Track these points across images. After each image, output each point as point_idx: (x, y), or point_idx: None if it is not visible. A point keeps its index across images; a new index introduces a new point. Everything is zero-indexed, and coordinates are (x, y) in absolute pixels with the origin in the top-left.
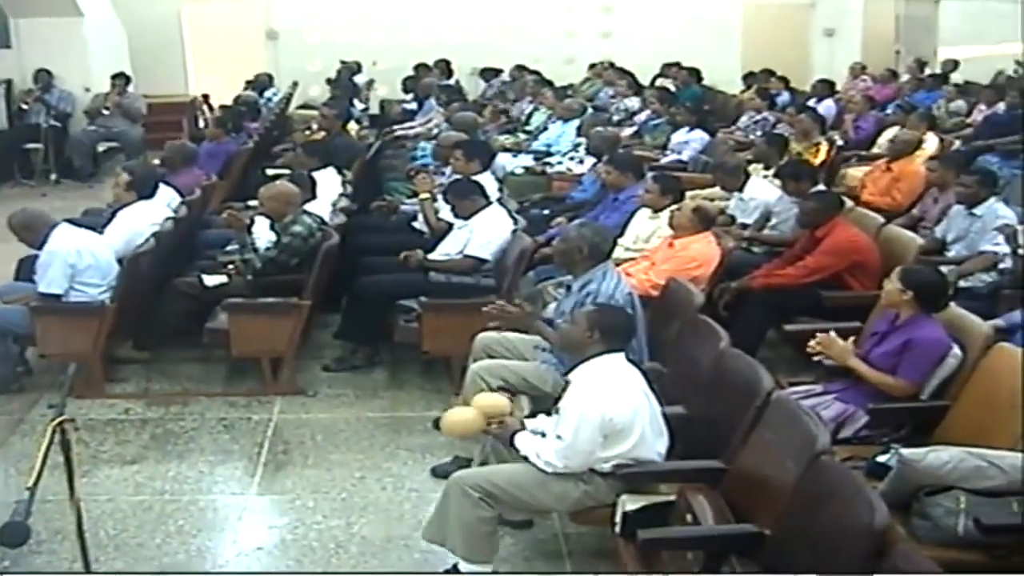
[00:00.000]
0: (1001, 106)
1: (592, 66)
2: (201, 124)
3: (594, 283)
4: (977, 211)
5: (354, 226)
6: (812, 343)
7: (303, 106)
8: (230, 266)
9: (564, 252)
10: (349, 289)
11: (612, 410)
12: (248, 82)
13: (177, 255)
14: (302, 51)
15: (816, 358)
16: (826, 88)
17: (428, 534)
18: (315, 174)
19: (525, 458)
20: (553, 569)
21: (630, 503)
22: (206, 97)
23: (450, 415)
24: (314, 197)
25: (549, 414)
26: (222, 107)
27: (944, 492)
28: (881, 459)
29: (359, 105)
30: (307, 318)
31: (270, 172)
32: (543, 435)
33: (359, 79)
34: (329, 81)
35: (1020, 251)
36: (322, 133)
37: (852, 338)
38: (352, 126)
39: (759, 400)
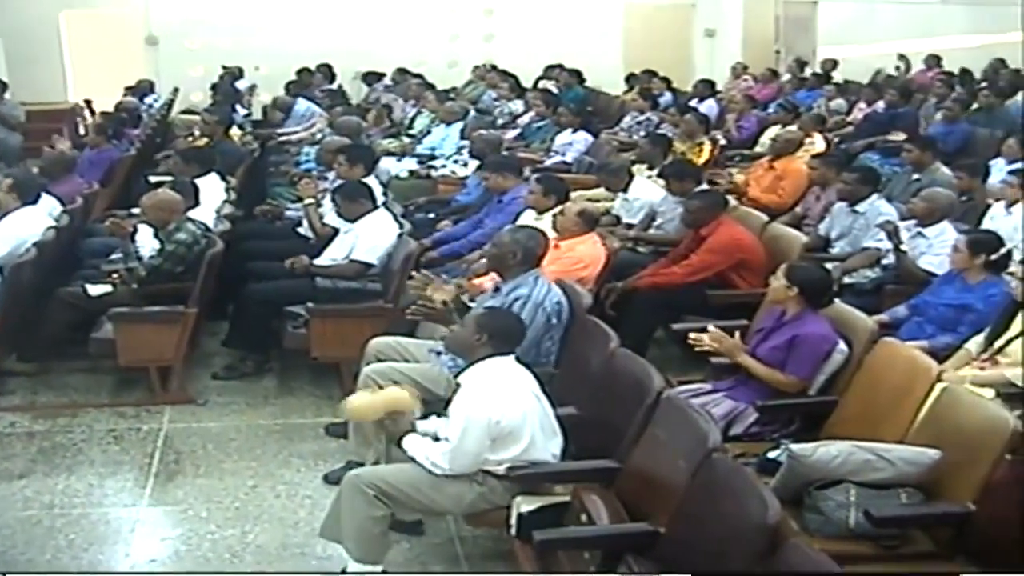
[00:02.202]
0: (880, 104)
1: (475, 69)
2: (82, 131)
3: (524, 288)
4: (859, 208)
5: (239, 232)
6: (699, 335)
7: (185, 112)
8: (114, 275)
9: (497, 256)
10: (236, 296)
11: (499, 413)
12: (128, 88)
13: (60, 265)
14: (183, 56)
15: (700, 350)
16: (708, 88)
17: (325, 532)
18: (198, 181)
19: (413, 459)
20: (449, 571)
21: (525, 504)
22: (88, 103)
23: (355, 398)
24: (197, 204)
25: (440, 416)
26: (103, 114)
27: (834, 486)
28: (772, 455)
29: (241, 110)
30: (194, 326)
31: (153, 179)
32: (435, 438)
33: (241, 84)
34: (212, 87)
35: (902, 247)
36: (204, 139)
37: (738, 332)
38: (235, 132)
39: (650, 399)
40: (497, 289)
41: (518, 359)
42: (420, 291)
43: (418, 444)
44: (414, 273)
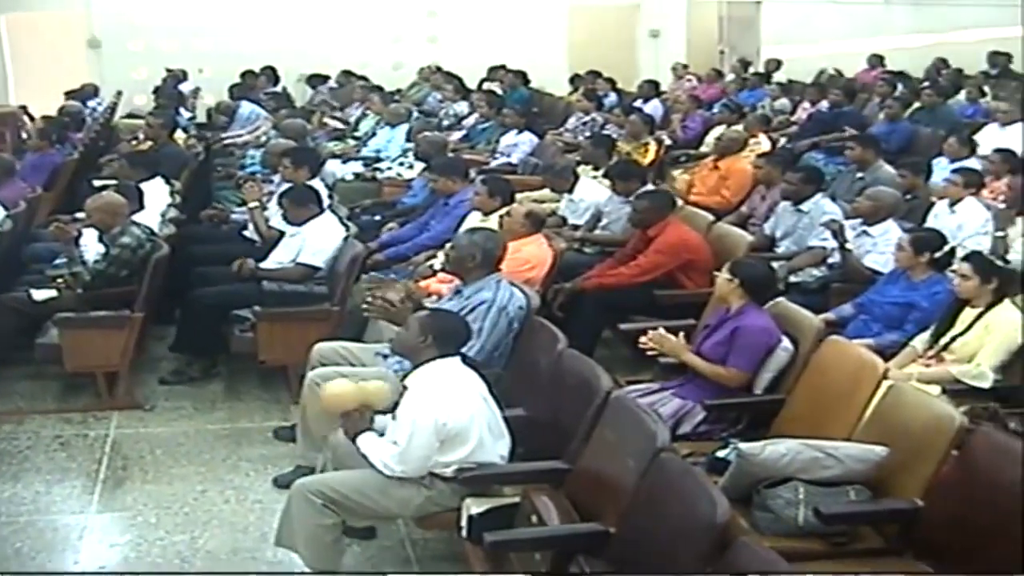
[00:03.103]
0: (824, 104)
1: (421, 70)
2: (24, 136)
3: (487, 292)
4: (804, 207)
5: (185, 236)
6: (643, 339)
7: (129, 115)
8: (59, 280)
9: (457, 259)
10: (182, 300)
11: (446, 415)
12: (70, 92)
13: (3, 270)
14: (126, 59)
15: (651, 354)
16: (652, 89)
17: (280, 540)
18: (142, 184)
19: (365, 457)
20: (401, 572)
21: (475, 506)
22: (24, 109)
23: (330, 385)
24: (142, 208)
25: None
26: (44, 118)
27: (783, 484)
28: (720, 454)
29: (186, 113)
30: (141, 331)
31: (97, 183)
32: (381, 434)
33: (185, 87)
34: (155, 90)
35: (847, 246)
36: (149, 143)
37: (682, 333)
38: (179, 135)
39: (598, 400)
40: (459, 292)
41: (465, 360)
42: (372, 293)
43: (373, 444)
44: (364, 276)
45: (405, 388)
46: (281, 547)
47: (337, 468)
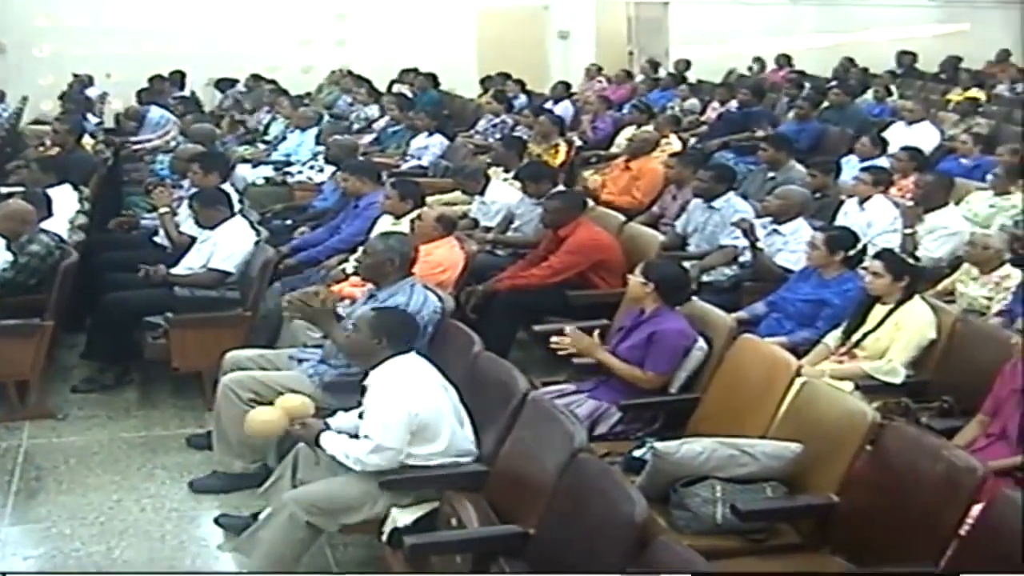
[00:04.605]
0: (733, 104)
1: (331, 74)
2: None
3: (402, 296)
4: (715, 204)
5: (95, 243)
6: (555, 339)
7: (35, 122)
8: None
9: (374, 265)
10: (93, 308)
11: (416, 406)
12: None
13: None
14: (32, 65)
15: (563, 354)
16: (563, 90)
17: (239, 546)
18: (50, 191)
19: (333, 457)
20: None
21: (402, 518)
22: None
23: (254, 415)
24: (50, 215)
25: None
26: None
27: (700, 482)
28: (637, 454)
29: (93, 119)
30: (51, 339)
31: (4, 190)
32: (346, 433)
33: (92, 92)
34: (61, 95)
35: (758, 244)
36: (56, 149)
37: (597, 331)
38: (87, 140)
39: (515, 401)
40: (372, 296)
41: (419, 353)
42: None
43: (336, 441)
44: (288, 299)
45: (363, 389)
46: (236, 552)
47: (305, 477)
